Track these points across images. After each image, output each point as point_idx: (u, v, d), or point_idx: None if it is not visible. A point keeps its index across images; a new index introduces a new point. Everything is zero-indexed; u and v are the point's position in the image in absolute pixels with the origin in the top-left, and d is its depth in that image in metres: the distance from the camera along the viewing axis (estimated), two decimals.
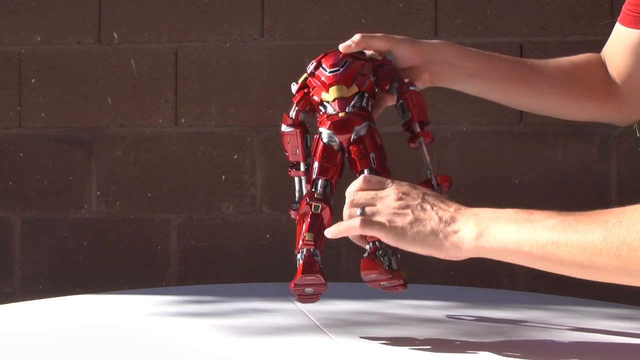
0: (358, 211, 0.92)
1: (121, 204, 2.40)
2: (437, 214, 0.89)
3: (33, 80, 2.43)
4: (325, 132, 1.02)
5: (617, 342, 1.01)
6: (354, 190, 0.95)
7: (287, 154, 1.07)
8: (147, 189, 2.39)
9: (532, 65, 1.18)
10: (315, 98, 1.04)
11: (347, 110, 1.02)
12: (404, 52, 1.07)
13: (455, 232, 0.88)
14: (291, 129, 1.05)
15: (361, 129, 1.02)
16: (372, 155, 1.01)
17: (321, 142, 1.02)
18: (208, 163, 2.37)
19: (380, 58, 1.05)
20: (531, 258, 0.85)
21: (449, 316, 1.17)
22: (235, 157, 2.35)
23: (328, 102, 1.03)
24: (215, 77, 2.37)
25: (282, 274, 2.54)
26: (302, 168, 1.06)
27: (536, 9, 2.28)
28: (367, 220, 0.91)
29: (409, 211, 0.90)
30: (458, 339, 1.00)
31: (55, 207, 2.42)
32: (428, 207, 0.90)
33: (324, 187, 1.00)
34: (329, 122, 1.01)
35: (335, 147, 1.02)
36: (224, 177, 2.36)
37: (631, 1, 1.15)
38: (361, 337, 0.99)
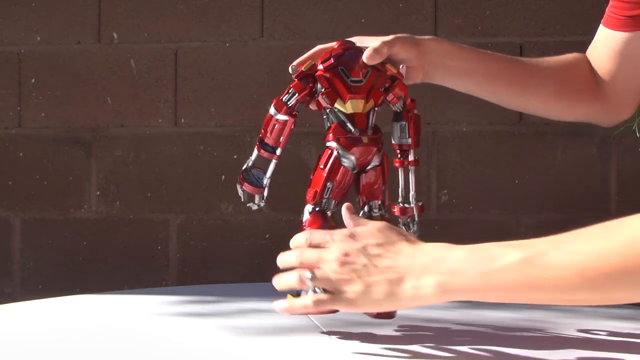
0: (308, 274, 0.88)
1: (121, 204, 2.40)
2: (384, 275, 0.84)
3: (33, 80, 2.43)
4: (343, 152, 1.01)
5: (617, 342, 1.01)
6: (299, 246, 0.92)
7: (267, 135, 1.03)
8: (146, 189, 2.39)
9: (523, 66, 1.18)
10: (325, 99, 1.02)
11: (367, 131, 1.01)
12: (410, 55, 1.06)
13: (410, 289, 0.83)
14: (285, 118, 1.02)
15: (378, 157, 1.02)
16: (383, 187, 1.02)
17: (338, 163, 1.01)
18: (208, 163, 2.37)
19: (395, 70, 1.04)
20: (500, 299, 0.82)
21: (449, 316, 1.17)
22: (235, 157, 2.35)
23: (342, 112, 1.02)
24: (215, 77, 2.37)
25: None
26: (279, 153, 1.04)
27: (536, 9, 2.28)
28: (319, 301, 0.88)
29: (355, 277, 0.85)
30: (458, 339, 1.00)
31: (55, 207, 2.42)
32: (373, 269, 0.85)
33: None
34: (353, 146, 1.00)
35: (351, 167, 1.01)
36: (223, 177, 2.36)
37: (614, 4, 1.15)
38: (361, 337, 0.99)
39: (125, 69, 2.40)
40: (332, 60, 1.02)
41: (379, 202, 1.03)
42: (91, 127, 2.41)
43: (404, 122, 1.04)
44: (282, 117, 1.02)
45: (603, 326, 1.11)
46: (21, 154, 2.44)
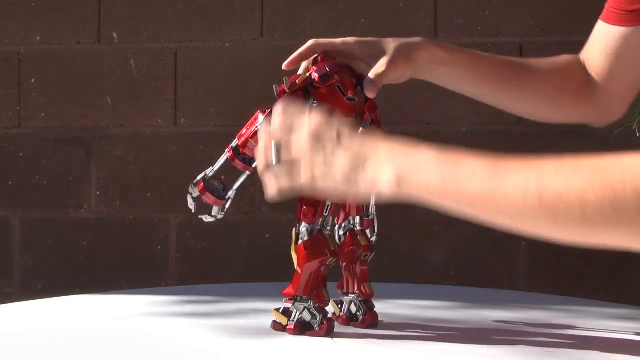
0: (273, 155, 0.87)
1: (121, 204, 2.40)
2: (348, 156, 0.83)
3: (33, 80, 2.43)
4: None
5: (617, 342, 1.01)
6: (275, 125, 0.89)
7: (247, 146, 1.00)
8: (146, 189, 2.39)
9: (514, 68, 1.17)
10: None
11: None
12: (405, 72, 1.05)
13: (369, 173, 0.81)
14: None
15: None
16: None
17: None
18: (208, 163, 2.36)
19: None
20: (456, 206, 0.80)
21: (449, 316, 1.17)
22: None
23: None
24: (215, 77, 2.37)
25: (282, 274, 2.54)
26: (255, 166, 1.01)
27: (536, 9, 2.28)
28: (279, 174, 0.86)
29: (321, 158, 0.84)
30: (458, 339, 1.00)
31: (55, 207, 2.42)
32: (339, 150, 0.83)
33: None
34: None
35: None
36: (223, 177, 2.36)
37: None
38: (361, 337, 0.99)
39: (125, 69, 2.40)
40: (329, 77, 1.00)
41: (359, 218, 1.05)
42: (91, 127, 2.41)
43: None
44: None
45: (603, 326, 1.11)
46: (21, 154, 2.44)
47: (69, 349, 0.95)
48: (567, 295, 1.50)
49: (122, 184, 2.40)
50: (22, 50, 2.43)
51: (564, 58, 1.22)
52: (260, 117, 1.01)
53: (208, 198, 1.04)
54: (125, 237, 2.40)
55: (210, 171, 1.04)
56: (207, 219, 1.05)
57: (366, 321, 1.05)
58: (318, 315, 0.99)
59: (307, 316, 0.99)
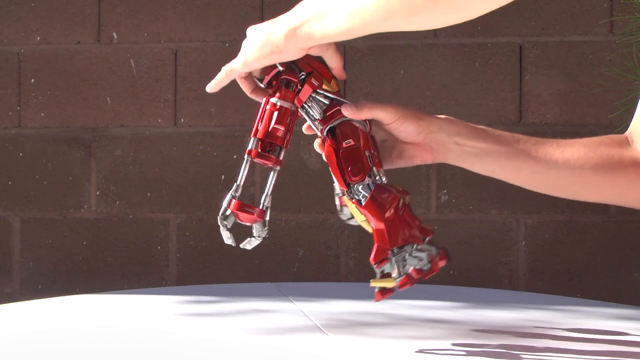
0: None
1: (120, 203, 2.40)
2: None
3: (32, 80, 2.43)
4: (363, 123, 0.98)
5: (617, 342, 1.01)
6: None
7: (277, 135, 0.95)
8: (146, 189, 2.39)
9: (549, 142, 1.07)
10: (314, 82, 0.99)
11: None
12: (410, 128, 1.02)
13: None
14: (294, 108, 0.98)
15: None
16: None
17: (364, 132, 0.96)
18: (207, 163, 2.37)
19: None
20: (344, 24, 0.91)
21: (449, 316, 1.17)
22: (235, 157, 2.35)
23: (328, 91, 1.00)
24: (215, 77, 2.37)
25: (282, 274, 2.54)
26: (282, 157, 0.96)
27: (535, 9, 2.28)
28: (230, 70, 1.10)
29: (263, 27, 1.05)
30: (458, 339, 1.00)
31: (54, 207, 2.42)
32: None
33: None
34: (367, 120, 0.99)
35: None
36: (223, 177, 2.36)
37: None
38: (361, 338, 0.99)
39: (125, 69, 2.40)
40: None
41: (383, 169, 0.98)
42: (91, 127, 2.41)
43: None
44: (293, 106, 0.98)
45: (603, 326, 1.11)
46: (21, 154, 2.44)
47: (69, 349, 0.95)
48: (567, 295, 1.50)
49: (122, 184, 2.40)
50: (22, 50, 2.43)
51: (608, 136, 1.09)
52: (272, 99, 0.98)
53: (246, 218, 0.97)
54: (125, 237, 2.40)
55: (236, 188, 0.96)
56: (252, 243, 0.96)
57: (444, 255, 0.96)
58: (429, 250, 0.93)
59: (412, 262, 0.93)
